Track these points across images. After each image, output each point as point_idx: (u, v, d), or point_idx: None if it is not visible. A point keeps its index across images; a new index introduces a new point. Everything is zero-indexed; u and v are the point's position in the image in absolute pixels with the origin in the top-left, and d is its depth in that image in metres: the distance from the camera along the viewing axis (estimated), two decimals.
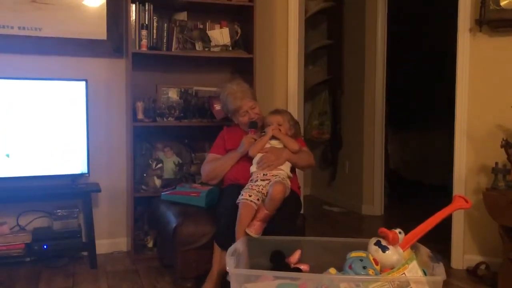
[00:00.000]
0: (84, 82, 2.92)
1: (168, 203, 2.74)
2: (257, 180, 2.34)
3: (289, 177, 2.46)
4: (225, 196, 2.46)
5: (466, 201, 2.02)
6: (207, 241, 2.40)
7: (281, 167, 2.45)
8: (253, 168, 2.47)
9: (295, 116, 3.48)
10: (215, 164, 2.65)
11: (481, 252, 2.96)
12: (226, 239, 2.22)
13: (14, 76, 2.83)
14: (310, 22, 4.74)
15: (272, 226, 2.25)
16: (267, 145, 2.52)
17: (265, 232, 2.22)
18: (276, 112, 2.64)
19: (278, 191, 2.23)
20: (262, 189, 2.28)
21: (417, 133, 5.55)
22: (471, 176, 2.97)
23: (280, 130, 2.54)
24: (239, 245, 2.02)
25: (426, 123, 5.44)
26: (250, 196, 2.25)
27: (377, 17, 4.29)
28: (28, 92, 2.82)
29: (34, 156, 2.84)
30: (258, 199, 2.24)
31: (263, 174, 2.37)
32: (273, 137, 2.53)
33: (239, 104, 2.64)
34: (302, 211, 2.67)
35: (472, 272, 2.87)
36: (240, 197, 2.26)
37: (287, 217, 2.35)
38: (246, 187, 2.33)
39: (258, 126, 2.66)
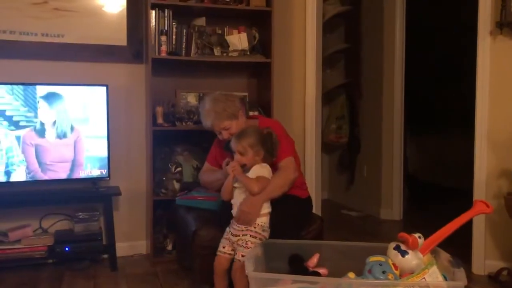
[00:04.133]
0: (105, 88, 2.97)
1: (187, 206, 2.77)
2: (229, 232, 2.29)
3: (269, 213, 2.29)
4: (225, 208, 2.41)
5: (487, 206, 1.99)
6: None
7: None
8: (234, 212, 2.30)
9: (313, 120, 3.51)
10: (210, 178, 2.60)
11: (503, 258, 2.91)
12: None
13: (37, 81, 2.90)
14: (328, 26, 4.73)
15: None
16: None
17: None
18: (236, 138, 2.30)
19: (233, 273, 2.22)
20: (235, 242, 2.25)
21: (435, 137, 5.50)
22: (491, 180, 2.93)
23: (239, 165, 2.25)
24: (257, 249, 2.03)
25: (445, 126, 5.38)
26: (224, 247, 2.27)
27: (395, 20, 4.26)
28: (51, 97, 2.88)
29: (57, 159, 2.89)
30: (232, 250, 2.25)
31: (238, 226, 2.25)
32: (245, 167, 2.29)
33: (209, 124, 2.49)
34: (320, 215, 2.65)
35: (493, 278, 2.83)
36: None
37: (285, 221, 2.29)
38: (224, 235, 2.30)
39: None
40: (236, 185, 2.29)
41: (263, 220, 2.25)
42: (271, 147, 2.31)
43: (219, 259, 2.28)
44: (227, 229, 2.30)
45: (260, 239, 2.21)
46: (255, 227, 2.22)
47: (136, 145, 3.24)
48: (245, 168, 2.27)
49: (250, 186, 2.22)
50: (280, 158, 2.41)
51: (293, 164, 2.43)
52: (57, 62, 3.05)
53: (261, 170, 2.28)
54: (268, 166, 2.32)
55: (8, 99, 2.79)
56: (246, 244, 2.20)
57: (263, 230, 2.24)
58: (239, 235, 2.23)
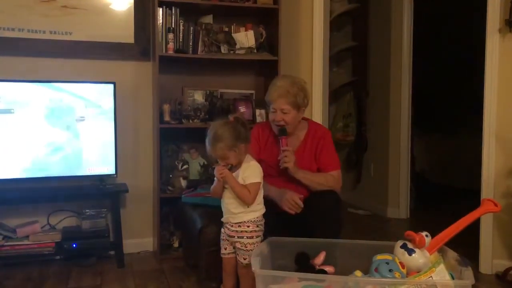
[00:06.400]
0: (112, 85, 2.98)
1: (193, 204, 2.77)
2: (224, 233, 2.27)
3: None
4: None
5: (495, 205, 1.98)
6: None
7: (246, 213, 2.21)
8: (224, 211, 2.26)
9: (320, 118, 3.50)
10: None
11: (510, 257, 2.90)
12: None
13: (46, 79, 2.92)
14: (335, 24, 4.71)
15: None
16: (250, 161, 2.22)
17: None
18: (211, 146, 2.17)
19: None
20: (233, 243, 2.24)
21: (443, 136, 5.46)
22: (500, 179, 2.91)
23: (225, 168, 2.15)
24: (263, 246, 2.03)
25: (452, 125, 5.35)
26: (225, 249, 2.27)
27: (402, 18, 4.24)
28: (58, 94, 2.89)
29: (64, 156, 2.91)
30: (234, 248, 2.24)
31: (230, 225, 2.21)
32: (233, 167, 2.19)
33: (273, 99, 2.43)
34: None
35: (501, 277, 2.82)
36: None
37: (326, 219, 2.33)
38: (221, 236, 2.29)
39: (287, 133, 2.43)
40: (226, 186, 2.20)
41: (255, 216, 2.21)
42: (246, 132, 2.20)
43: (225, 260, 2.29)
44: (222, 230, 2.29)
45: (257, 236, 2.21)
46: (248, 226, 2.19)
47: (143, 143, 3.25)
48: (232, 168, 2.18)
49: (242, 195, 2.14)
50: (331, 167, 2.48)
51: (340, 178, 2.51)
52: (64, 59, 3.07)
53: (249, 171, 2.18)
54: (255, 163, 2.23)
55: (16, 96, 2.81)
56: (246, 247, 2.19)
57: (258, 226, 2.21)
58: (234, 237, 2.21)
